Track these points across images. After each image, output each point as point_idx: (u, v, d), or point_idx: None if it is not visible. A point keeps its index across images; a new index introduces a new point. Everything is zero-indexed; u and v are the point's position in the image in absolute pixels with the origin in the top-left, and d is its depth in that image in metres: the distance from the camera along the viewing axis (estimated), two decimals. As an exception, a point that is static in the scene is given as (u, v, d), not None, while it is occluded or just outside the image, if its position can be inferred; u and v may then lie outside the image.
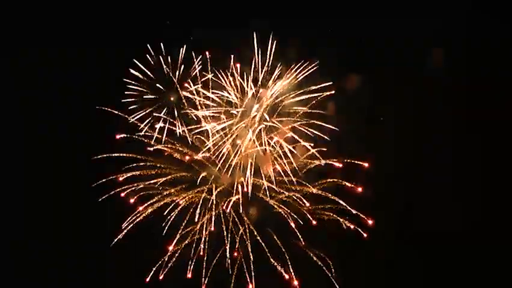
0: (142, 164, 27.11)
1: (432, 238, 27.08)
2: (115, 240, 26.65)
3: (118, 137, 27.14)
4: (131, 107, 27.05)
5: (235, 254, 26.54)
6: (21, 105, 29.22)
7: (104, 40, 29.23)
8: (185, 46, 26.83)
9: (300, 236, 26.17)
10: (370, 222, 26.30)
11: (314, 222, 26.22)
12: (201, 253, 26.58)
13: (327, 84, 26.40)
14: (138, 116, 26.82)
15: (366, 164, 26.63)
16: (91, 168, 27.11)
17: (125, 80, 27.15)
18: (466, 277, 26.62)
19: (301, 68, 26.63)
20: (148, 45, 26.95)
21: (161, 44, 26.98)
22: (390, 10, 28.69)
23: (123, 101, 27.04)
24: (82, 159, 27.61)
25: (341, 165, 26.61)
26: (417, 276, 27.06)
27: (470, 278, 26.58)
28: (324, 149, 26.38)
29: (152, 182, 27.11)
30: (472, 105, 27.51)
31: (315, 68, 26.63)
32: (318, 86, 26.46)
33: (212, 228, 26.49)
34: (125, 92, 27.14)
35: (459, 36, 27.92)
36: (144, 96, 27.05)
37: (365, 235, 26.31)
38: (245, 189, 26.28)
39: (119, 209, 26.67)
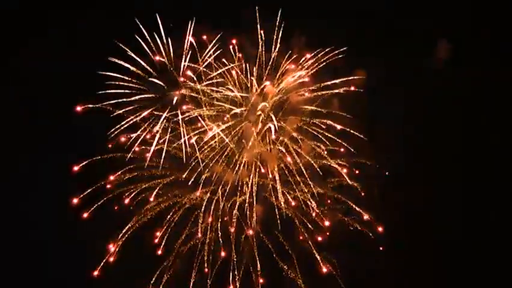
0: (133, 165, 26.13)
1: (440, 242, 27.39)
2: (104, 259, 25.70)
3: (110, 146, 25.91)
4: (127, 109, 25.86)
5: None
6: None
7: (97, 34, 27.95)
8: (188, 42, 25.78)
9: (306, 236, 25.99)
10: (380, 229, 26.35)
11: (328, 233, 26.04)
12: (206, 270, 26.06)
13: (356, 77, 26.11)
14: (141, 116, 25.68)
15: (369, 163, 26.69)
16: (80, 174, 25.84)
17: (123, 77, 25.95)
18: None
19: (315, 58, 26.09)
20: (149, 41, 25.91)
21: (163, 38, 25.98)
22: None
23: (120, 100, 25.84)
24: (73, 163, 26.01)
25: (347, 165, 26.45)
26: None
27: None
28: (331, 148, 26.17)
29: (151, 183, 26.27)
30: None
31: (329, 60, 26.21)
32: (350, 78, 26.14)
33: (222, 254, 25.93)
34: (121, 91, 25.95)
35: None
36: (145, 95, 25.95)
37: (381, 248, 26.31)
38: (250, 190, 25.77)
39: (112, 217, 25.85)
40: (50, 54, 27.95)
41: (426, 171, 28.00)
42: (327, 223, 26.00)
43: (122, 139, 25.62)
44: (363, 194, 26.48)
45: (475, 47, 28.18)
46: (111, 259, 25.61)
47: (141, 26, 25.51)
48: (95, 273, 25.38)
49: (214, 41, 25.75)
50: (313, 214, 25.85)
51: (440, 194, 27.68)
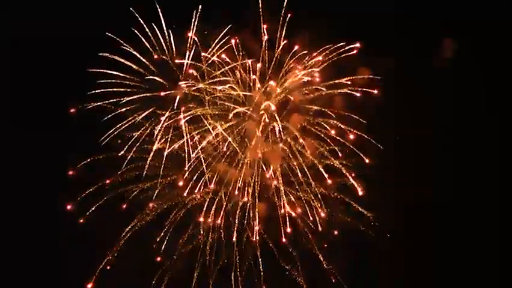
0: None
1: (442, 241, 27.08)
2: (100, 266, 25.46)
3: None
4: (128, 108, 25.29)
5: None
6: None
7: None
8: (192, 39, 25.04)
9: (310, 236, 25.81)
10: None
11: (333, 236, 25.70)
12: (208, 272, 25.88)
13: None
14: (142, 116, 25.21)
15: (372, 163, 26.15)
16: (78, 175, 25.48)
17: (124, 75, 25.36)
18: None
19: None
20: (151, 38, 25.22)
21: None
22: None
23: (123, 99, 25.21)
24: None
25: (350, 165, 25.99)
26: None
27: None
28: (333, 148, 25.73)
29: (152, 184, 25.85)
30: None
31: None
32: (357, 77, 25.52)
33: (224, 256, 25.75)
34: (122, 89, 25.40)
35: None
36: (146, 94, 25.36)
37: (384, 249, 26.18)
38: (252, 190, 25.43)
39: (112, 219, 25.53)
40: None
41: (432, 172, 27.65)
42: (330, 225, 25.78)
43: (120, 140, 25.20)
44: (365, 194, 26.21)
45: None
46: (108, 267, 25.51)
47: (141, 20, 24.85)
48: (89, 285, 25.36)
49: (217, 40, 25.16)
50: (316, 216, 25.67)
51: (445, 196, 27.34)
